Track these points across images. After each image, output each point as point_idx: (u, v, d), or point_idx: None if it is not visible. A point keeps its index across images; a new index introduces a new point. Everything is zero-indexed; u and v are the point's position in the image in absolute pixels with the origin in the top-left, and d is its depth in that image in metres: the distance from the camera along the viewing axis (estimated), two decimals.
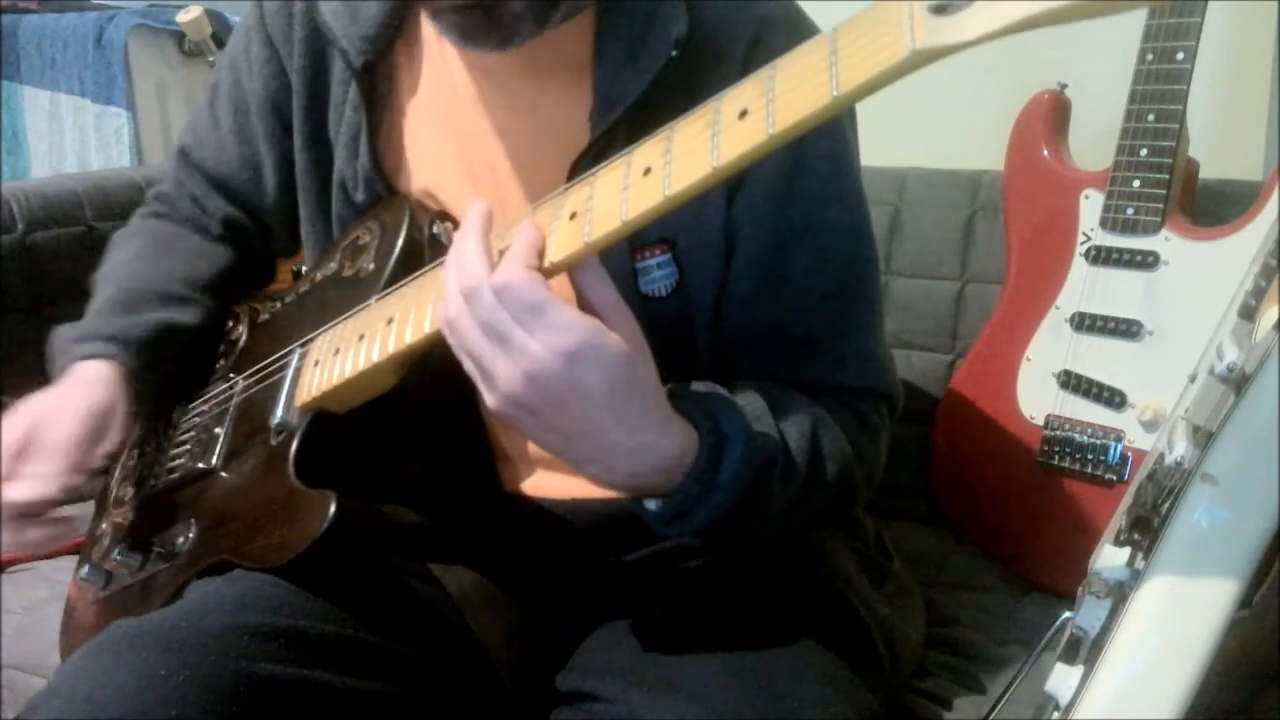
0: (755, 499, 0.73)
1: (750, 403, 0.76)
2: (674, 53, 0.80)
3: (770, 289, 0.84)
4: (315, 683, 0.76)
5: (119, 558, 0.92)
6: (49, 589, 1.18)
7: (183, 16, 1.98)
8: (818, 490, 0.78)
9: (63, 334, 0.96)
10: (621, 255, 0.83)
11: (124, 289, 0.99)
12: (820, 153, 0.83)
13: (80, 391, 0.90)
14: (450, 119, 0.90)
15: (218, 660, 0.72)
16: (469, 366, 0.69)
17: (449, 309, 0.68)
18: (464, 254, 0.68)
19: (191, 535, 0.90)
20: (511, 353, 0.65)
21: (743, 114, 0.59)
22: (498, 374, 0.66)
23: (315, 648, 0.77)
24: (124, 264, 1.02)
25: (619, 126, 0.80)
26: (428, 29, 0.89)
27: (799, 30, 0.84)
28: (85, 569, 0.96)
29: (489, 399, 0.69)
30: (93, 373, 0.92)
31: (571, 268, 0.68)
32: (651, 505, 0.73)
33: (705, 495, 0.71)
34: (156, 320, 0.97)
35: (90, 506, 1.09)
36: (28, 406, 0.88)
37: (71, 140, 2.45)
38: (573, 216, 0.67)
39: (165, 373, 0.97)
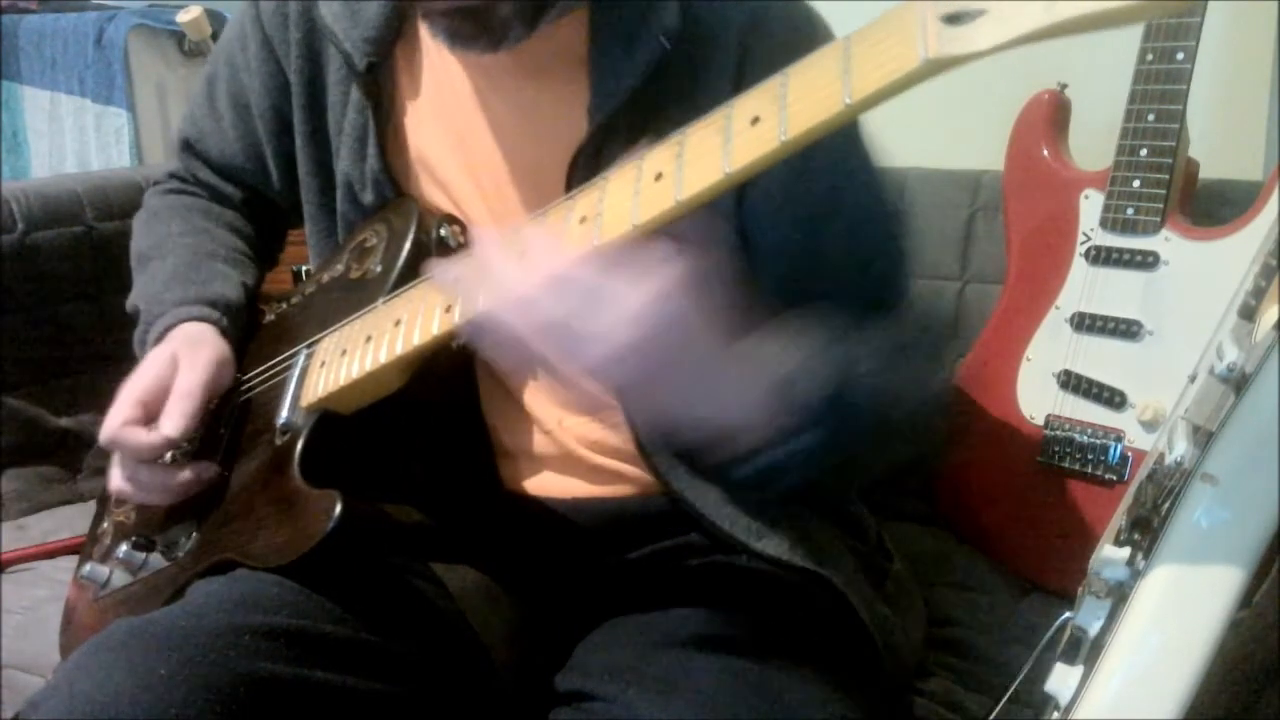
0: (841, 438, 0.73)
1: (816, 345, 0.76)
2: (667, 44, 0.80)
3: (808, 272, 0.83)
4: (316, 682, 0.76)
5: (121, 556, 0.92)
6: (49, 589, 1.18)
7: (183, 16, 1.97)
8: (907, 369, 0.78)
9: (150, 301, 0.98)
10: None
11: (195, 253, 1.01)
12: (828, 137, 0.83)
13: (201, 348, 0.92)
14: (450, 118, 0.90)
15: (218, 660, 0.72)
16: (548, 339, 0.65)
17: (532, 286, 0.65)
18: (537, 236, 0.67)
19: (194, 534, 0.90)
20: (616, 304, 0.64)
21: (755, 120, 0.59)
22: (600, 329, 0.64)
23: (316, 647, 0.77)
24: (177, 235, 1.03)
25: (617, 119, 0.81)
26: (425, 30, 0.89)
27: (794, 21, 0.84)
28: (86, 568, 0.96)
29: (590, 357, 0.65)
30: (200, 331, 0.94)
31: None
32: (744, 471, 0.74)
33: (792, 450, 0.71)
34: (240, 280, 1.00)
35: (92, 506, 1.09)
36: (153, 362, 0.90)
37: (71, 140, 2.44)
38: (582, 220, 0.67)
39: (242, 336, 0.99)
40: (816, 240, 0.83)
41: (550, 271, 0.64)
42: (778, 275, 0.84)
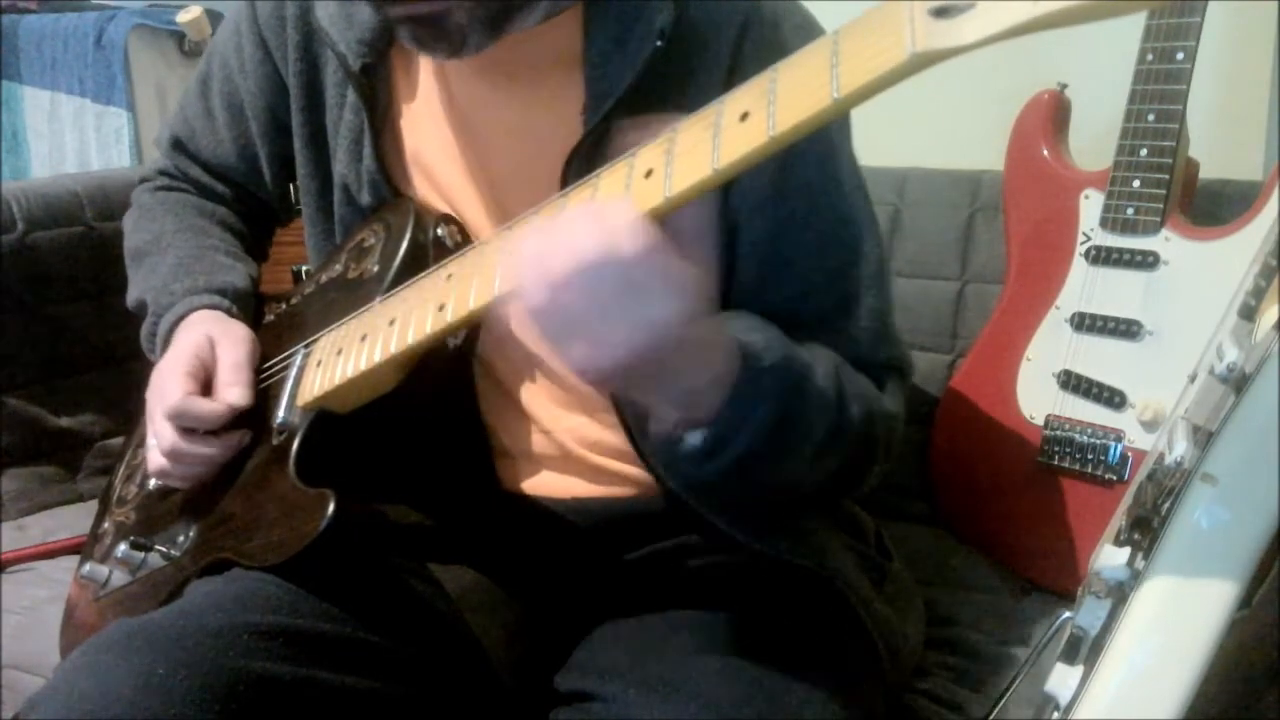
0: (791, 420, 0.72)
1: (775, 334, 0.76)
2: (659, 42, 0.80)
3: (775, 274, 0.84)
4: (314, 682, 0.76)
5: (120, 556, 0.92)
6: (49, 589, 1.18)
7: (183, 16, 1.98)
8: (845, 430, 0.77)
9: (158, 293, 0.98)
10: None
11: (197, 247, 1.01)
12: (813, 141, 0.83)
13: (233, 325, 0.94)
14: (447, 119, 0.90)
15: (217, 659, 0.72)
16: (553, 330, 0.64)
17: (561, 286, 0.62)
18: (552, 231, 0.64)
19: (192, 534, 0.90)
20: (636, 312, 0.62)
21: (744, 116, 0.59)
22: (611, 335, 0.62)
23: (314, 647, 0.77)
24: (174, 231, 1.03)
25: (611, 119, 0.81)
26: None
27: (786, 21, 0.85)
28: (86, 567, 0.96)
29: (591, 359, 0.64)
30: (219, 314, 0.96)
31: None
32: (695, 439, 0.70)
33: (746, 415, 0.69)
34: (245, 272, 1.01)
35: (92, 506, 1.09)
36: (188, 343, 0.91)
37: (71, 140, 2.44)
38: None
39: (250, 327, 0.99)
40: (789, 246, 0.84)
41: (585, 260, 0.61)
42: (750, 275, 0.84)
